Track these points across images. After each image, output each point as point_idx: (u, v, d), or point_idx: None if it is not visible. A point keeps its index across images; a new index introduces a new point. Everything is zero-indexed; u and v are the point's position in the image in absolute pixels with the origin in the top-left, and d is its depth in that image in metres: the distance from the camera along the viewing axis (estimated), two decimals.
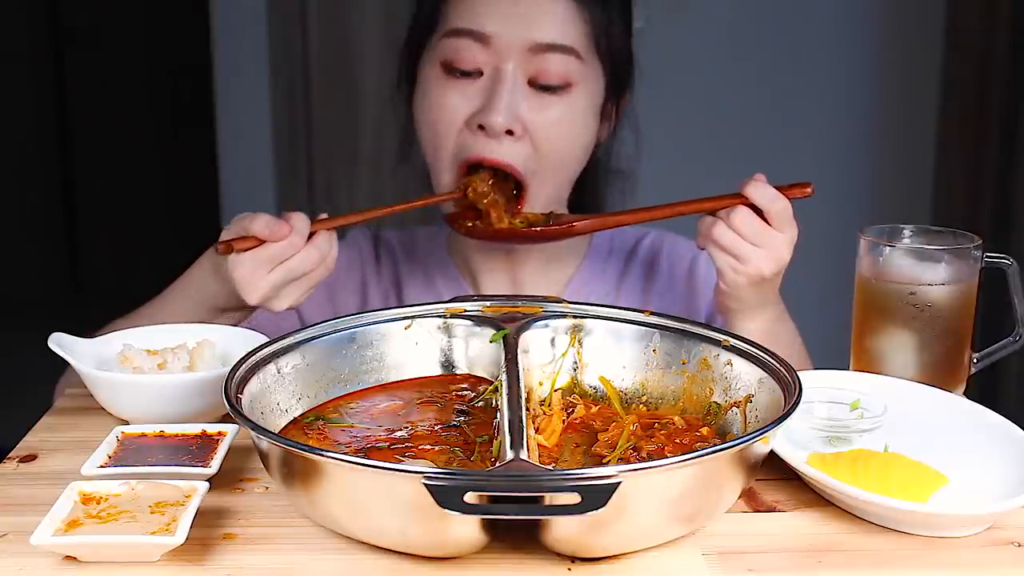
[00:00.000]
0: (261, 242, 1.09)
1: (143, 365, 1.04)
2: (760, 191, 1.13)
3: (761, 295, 1.17)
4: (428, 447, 0.90)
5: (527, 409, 0.89)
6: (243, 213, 1.12)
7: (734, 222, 1.13)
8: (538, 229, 1.20)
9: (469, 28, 1.19)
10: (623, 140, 1.36)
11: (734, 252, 1.13)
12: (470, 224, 1.21)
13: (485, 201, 1.22)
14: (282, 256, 1.09)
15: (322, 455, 0.76)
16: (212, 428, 0.94)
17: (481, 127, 1.19)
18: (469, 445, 0.90)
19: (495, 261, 1.34)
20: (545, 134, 1.21)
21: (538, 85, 1.20)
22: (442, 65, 1.22)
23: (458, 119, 1.21)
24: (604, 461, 0.88)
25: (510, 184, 1.24)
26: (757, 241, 1.13)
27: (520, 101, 1.19)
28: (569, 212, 1.32)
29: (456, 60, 1.20)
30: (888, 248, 1.09)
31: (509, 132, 1.19)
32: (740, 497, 0.85)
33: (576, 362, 1.04)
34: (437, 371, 1.05)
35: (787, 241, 1.14)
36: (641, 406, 1.00)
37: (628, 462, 0.86)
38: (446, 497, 0.69)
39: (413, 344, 1.04)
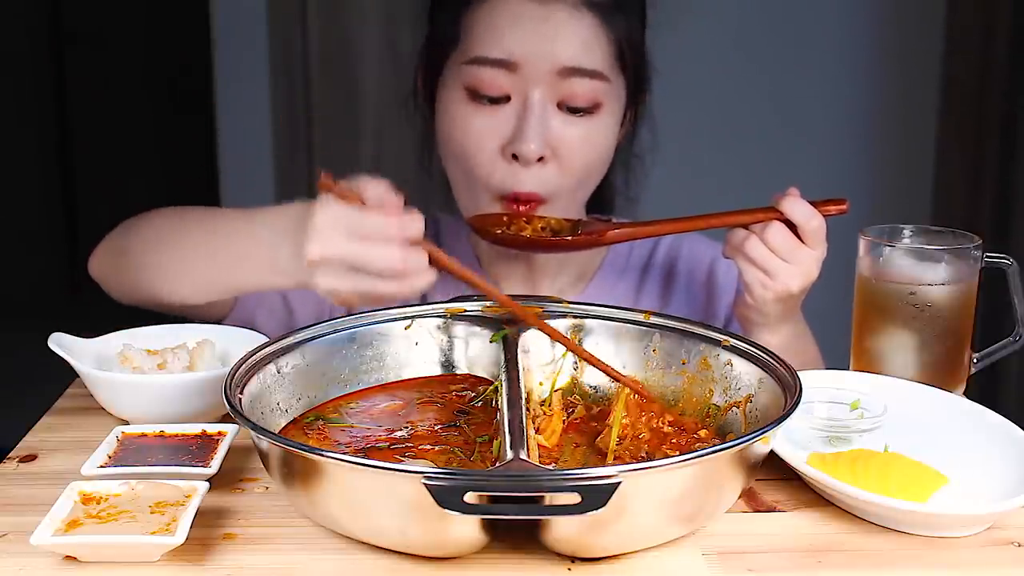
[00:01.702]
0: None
1: (143, 365, 1.04)
2: (797, 207, 1.11)
3: (785, 310, 1.17)
4: (428, 447, 0.90)
5: (527, 409, 0.90)
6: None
7: (768, 237, 1.11)
8: (568, 239, 1.17)
9: (495, 57, 1.16)
10: (640, 138, 1.35)
11: (765, 267, 1.12)
12: (498, 231, 1.18)
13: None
14: (367, 230, 0.95)
15: (322, 455, 0.76)
16: (212, 428, 0.94)
17: (514, 156, 1.18)
18: (469, 445, 0.90)
19: (513, 258, 1.33)
20: (572, 156, 1.19)
21: (566, 107, 1.18)
22: (466, 90, 1.19)
23: (492, 149, 1.19)
24: (599, 442, 0.88)
25: None
26: (789, 257, 1.12)
27: (550, 125, 1.17)
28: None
29: (482, 87, 1.18)
30: (888, 248, 1.09)
31: (539, 159, 1.18)
32: (740, 497, 0.85)
33: (576, 362, 1.04)
34: (437, 371, 1.05)
35: (817, 258, 1.13)
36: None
37: (625, 462, 0.87)
38: (446, 497, 0.69)
39: (413, 344, 1.04)
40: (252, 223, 1.07)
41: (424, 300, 1.33)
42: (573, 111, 1.18)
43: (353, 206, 0.96)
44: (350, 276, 0.96)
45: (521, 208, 1.19)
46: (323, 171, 0.99)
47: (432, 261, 0.98)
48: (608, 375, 1.01)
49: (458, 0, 1.22)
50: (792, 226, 1.11)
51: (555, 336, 1.01)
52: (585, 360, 1.02)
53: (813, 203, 1.12)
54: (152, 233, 1.18)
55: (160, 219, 1.19)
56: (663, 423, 0.95)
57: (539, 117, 1.16)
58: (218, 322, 1.26)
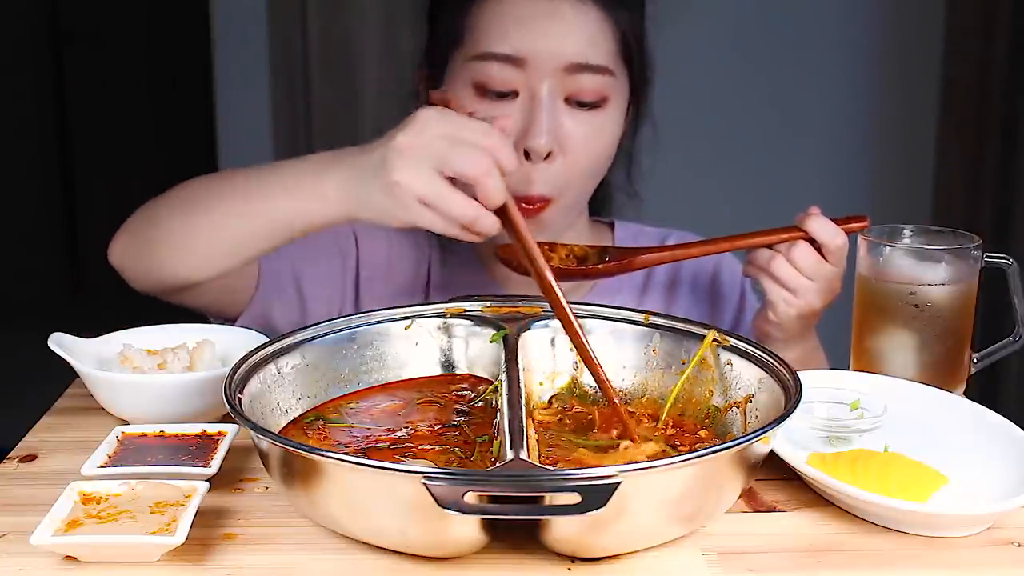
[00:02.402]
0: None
1: (143, 365, 1.04)
2: (823, 227, 1.13)
3: (805, 326, 1.19)
4: (428, 447, 0.90)
5: (527, 415, 0.89)
6: None
7: (794, 256, 1.14)
8: (599, 267, 1.17)
9: (503, 52, 1.17)
10: (642, 133, 1.35)
11: (791, 286, 1.14)
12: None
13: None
14: (467, 132, 0.92)
15: (322, 455, 0.76)
16: (212, 428, 0.94)
17: (525, 152, 1.17)
18: (469, 445, 0.90)
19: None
20: (581, 150, 1.19)
21: (574, 102, 1.19)
22: (473, 86, 1.19)
23: None
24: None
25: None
26: (814, 276, 1.14)
27: (559, 120, 1.18)
28: None
29: (490, 82, 1.18)
30: (888, 248, 1.09)
31: (548, 153, 1.18)
32: (740, 497, 0.85)
33: (576, 362, 1.04)
34: (437, 371, 1.05)
35: (840, 275, 1.15)
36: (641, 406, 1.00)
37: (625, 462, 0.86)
38: (446, 497, 0.69)
39: (413, 344, 1.04)
40: (283, 164, 1.05)
41: (425, 300, 1.34)
42: (581, 105, 1.19)
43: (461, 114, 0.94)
44: (428, 175, 0.92)
45: (528, 208, 1.19)
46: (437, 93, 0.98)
47: (504, 209, 0.94)
48: (598, 382, 0.96)
49: (461, 0, 1.22)
50: (815, 244, 1.13)
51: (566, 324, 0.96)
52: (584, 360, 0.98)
53: (835, 220, 1.14)
54: (175, 200, 1.15)
55: (180, 188, 1.16)
56: (666, 425, 0.95)
57: (549, 112, 1.17)
58: (234, 320, 1.26)
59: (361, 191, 0.98)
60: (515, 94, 1.18)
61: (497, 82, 1.17)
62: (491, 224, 0.94)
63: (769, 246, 1.16)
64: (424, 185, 0.93)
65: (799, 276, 1.14)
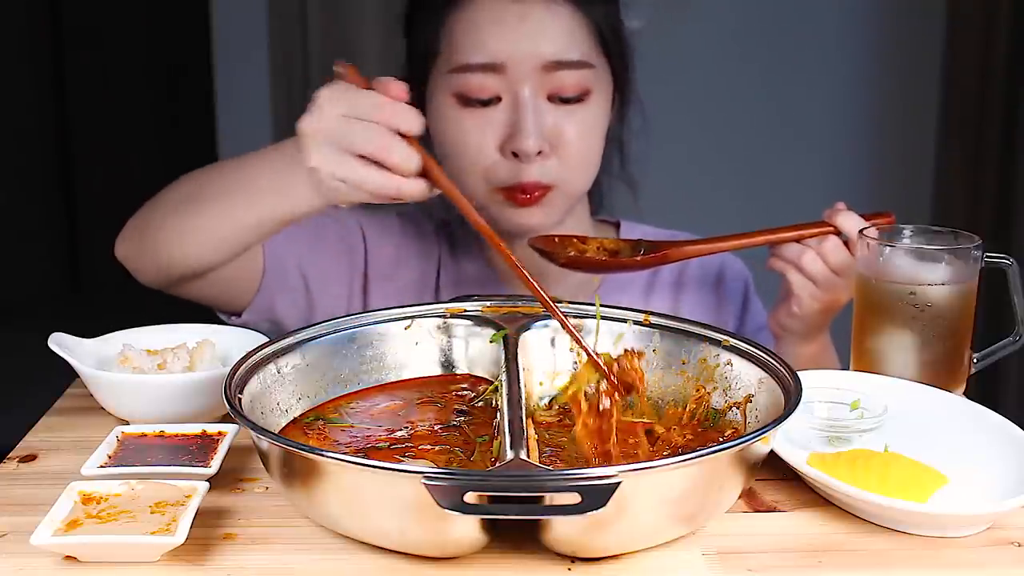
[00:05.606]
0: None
1: (143, 365, 1.04)
2: (852, 222, 1.15)
3: (825, 321, 1.21)
4: (428, 447, 0.90)
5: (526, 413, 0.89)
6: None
7: (825, 251, 1.15)
8: (637, 259, 1.18)
9: (480, 62, 1.18)
10: (630, 120, 1.35)
11: (819, 280, 1.16)
12: (570, 254, 1.17)
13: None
14: (359, 109, 0.94)
15: (322, 455, 0.76)
16: (212, 428, 0.94)
17: (514, 153, 1.18)
18: (469, 445, 0.90)
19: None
20: (570, 145, 1.20)
21: (558, 98, 1.19)
22: (455, 96, 1.20)
23: (489, 150, 1.19)
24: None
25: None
26: (842, 271, 1.16)
27: (544, 119, 1.19)
28: None
29: (471, 92, 1.19)
30: (888, 248, 1.09)
31: (538, 152, 1.19)
32: (740, 497, 0.85)
33: (576, 362, 1.04)
34: (437, 371, 1.05)
35: None
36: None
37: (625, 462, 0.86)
38: (446, 497, 0.69)
39: (413, 344, 1.04)
40: (265, 154, 1.08)
41: (435, 298, 1.34)
42: (564, 101, 1.20)
43: (358, 88, 0.96)
44: (338, 156, 0.95)
45: (526, 197, 1.19)
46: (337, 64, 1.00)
47: (425, 171, 0.96)
48: (579, 344, 0.95)
49: (434, 11, 1.23)
50: (842, 239, 1.15)
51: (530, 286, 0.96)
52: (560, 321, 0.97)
53: (863, 216, 1.16)
54: (173, 196, 1.18)
55: (179, 183, 1.19)
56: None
57: (533, 113, 1.18)
58: (238, 313, 1.26)
59: (296, 180, 1.01)
60: (498, 99, 1.19)
61: (478, 91, 1.18)
62: (415, 190, 0.96)
63: (798, 240, 1.17)
64: (337, 167, 0.96)
65: (827, 271, 1.16)
